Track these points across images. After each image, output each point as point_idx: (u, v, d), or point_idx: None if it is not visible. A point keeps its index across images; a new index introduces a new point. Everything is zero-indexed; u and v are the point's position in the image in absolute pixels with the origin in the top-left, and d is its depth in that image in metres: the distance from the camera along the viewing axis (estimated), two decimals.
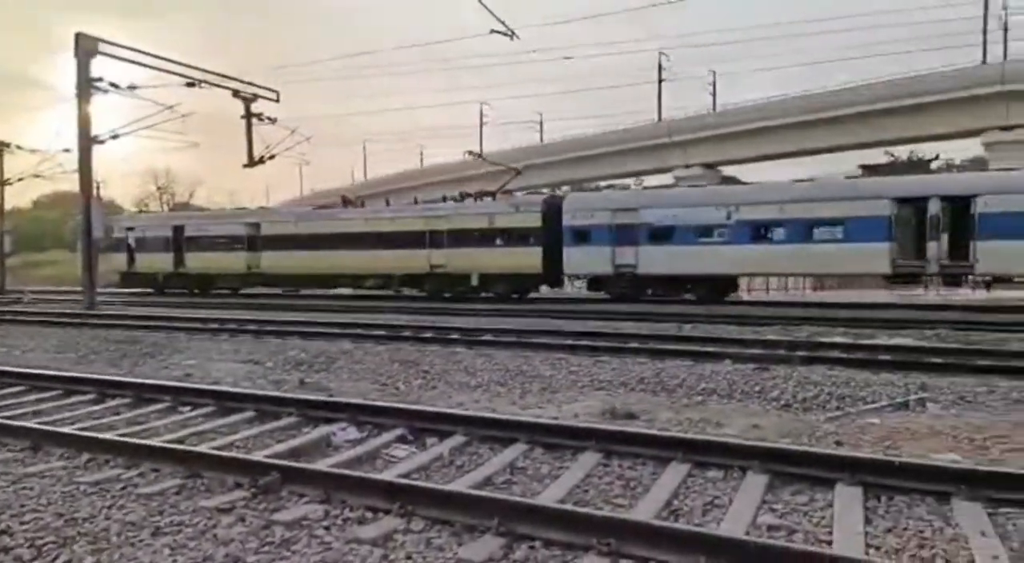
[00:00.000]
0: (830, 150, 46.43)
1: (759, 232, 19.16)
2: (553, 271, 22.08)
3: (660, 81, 53.57)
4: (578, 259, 21.30)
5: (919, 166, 46.12)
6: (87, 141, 18.89)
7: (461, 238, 23.02)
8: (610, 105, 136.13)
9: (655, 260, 20.01)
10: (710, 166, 51.15)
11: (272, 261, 26.91)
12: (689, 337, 11.07)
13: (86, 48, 18.32)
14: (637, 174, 57.89)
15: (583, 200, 23.24)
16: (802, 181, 23.24)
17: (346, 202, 28.97)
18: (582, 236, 21.06)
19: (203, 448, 4.89)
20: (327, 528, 3.57)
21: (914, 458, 4.55)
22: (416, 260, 23.73)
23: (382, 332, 12.26)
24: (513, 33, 14.11)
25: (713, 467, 4.47)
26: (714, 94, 51.75)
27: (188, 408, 6.44)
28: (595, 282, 22.36)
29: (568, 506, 3.72)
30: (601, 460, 4.70)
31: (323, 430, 5.56)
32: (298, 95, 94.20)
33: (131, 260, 30.25)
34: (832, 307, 17.95)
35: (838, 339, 10.82)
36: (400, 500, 3.63)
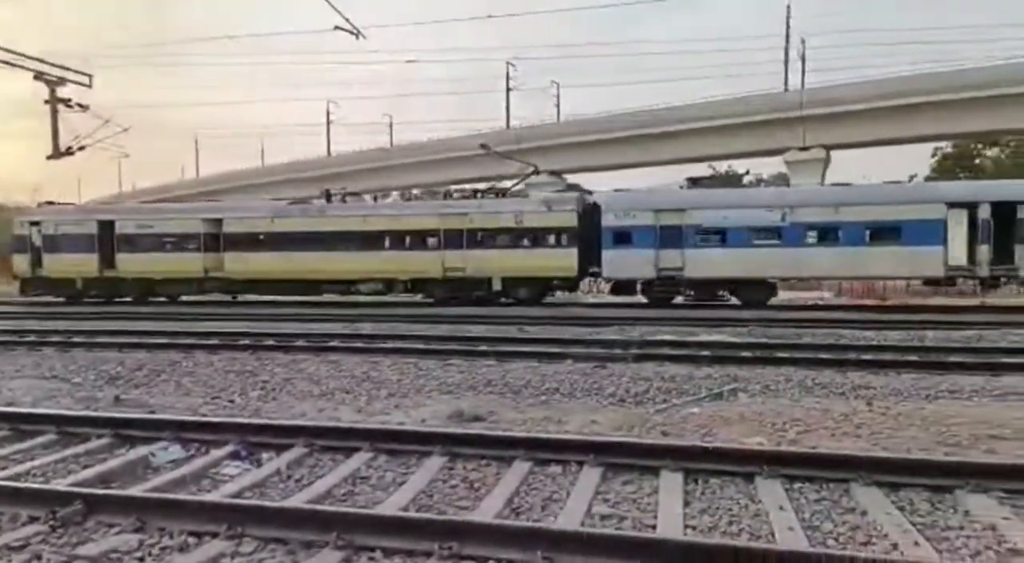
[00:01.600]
0: (661, 163, 50.35)
1: (814, 234, 18.63)
2: (586, 274, 21.03)
3: (508, 89, 55.03)
4: (618, 262, 19.81)
5: (734, 180, 51.62)
6: None
7: (483, 238, 20.87)
8: (463, 110, 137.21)
9: (704, 263, 19.15)
10: (556, 174, 53.36)
11: (238, 264, 22.65)
12: (534, 339, 11.44)
13: None
14: (491, 179, 58.96)
15: (625, 199, 21.25)
16: (839, 184, 22.42)
17: (329, 197, 24.81)
18: (623, 237, 19.74)
19: None
20: (140, 560, 3.25)
21: (726, 443, 5.05)
22: (427, 262, 21.18)
23: (216, 341, 11.41)
24: (359, 32, 13.78)
25: (553, 463, 4.65)
26: (558, 105, 54.21)
27: None
28: (622, 286, 20.98)
29: (409, 513, 3.70)
30: (446, 464, 4.72)
31: (140, 451, 5.05)
32: (120, 81, 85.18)
33: (37, 262, 24.30)
34: (666, 307, 19.43)
35: (666, 337, 11.73)
36: (229, 521, 3.39)
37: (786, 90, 43.74)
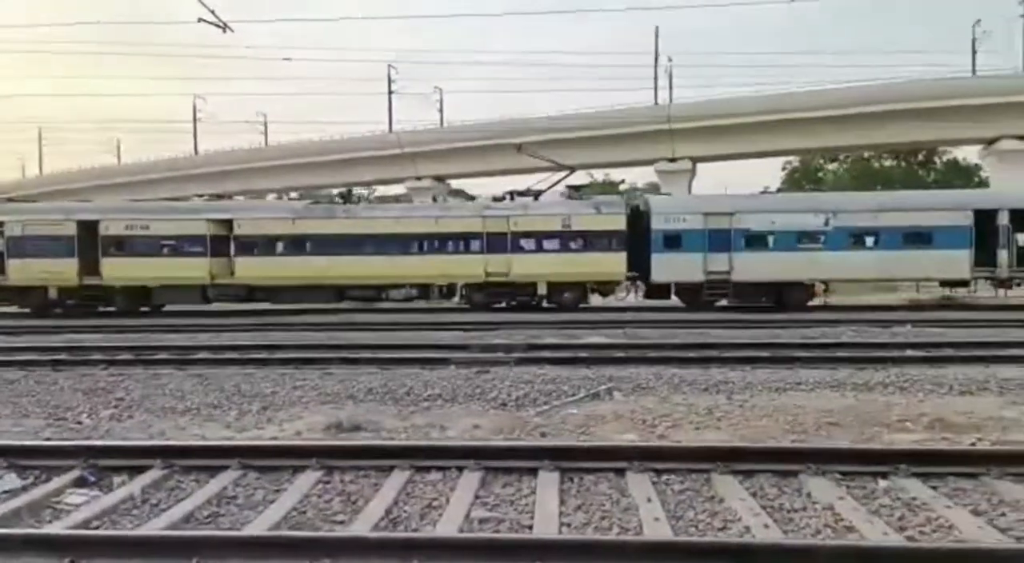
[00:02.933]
0: (543, 170, 51.62)
1: (855, 238, 19.19)
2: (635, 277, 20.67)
3: (390, 92, 54.25)
4: (668, 265, 19.58)
5: (612, 187, 53.98)
6: None
7: (528, 241, 19.97)
8: (343, 112, 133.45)
9: (751, 266, 19.23)
10: (440, 179, 53.26)
11: (253, 269, 20.38)
12: (418, 344, 11.33)
13: None
14: (370, 183, 57.89)
15: (674, 203, 21.02)
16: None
17: (346, 199, 22.48)
18: (673, 241, 19.54)
19: None
20: None
21: (600, 441, 5.25)
22: (469, 266, 20.01)
23: (64, 356, 10.33)
24: (226, 25, 13.03)
25: (434, 470, 4.62)
26: (441, 110, 53.97)
27: None
28: (657, 289, 20.67)
29: (276, 532, 3.53)
30: (322, 477, 4.56)
31: None
32: None
33: None
34: (548, 311, 19.88)
35: (549, 340, 12.03)
36: (70, 555, 3.08)
37: (656, 104, 46.34)
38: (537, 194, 21.40)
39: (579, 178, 54.64)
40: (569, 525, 3.74)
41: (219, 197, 23.13)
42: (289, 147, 54.43)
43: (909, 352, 9.56)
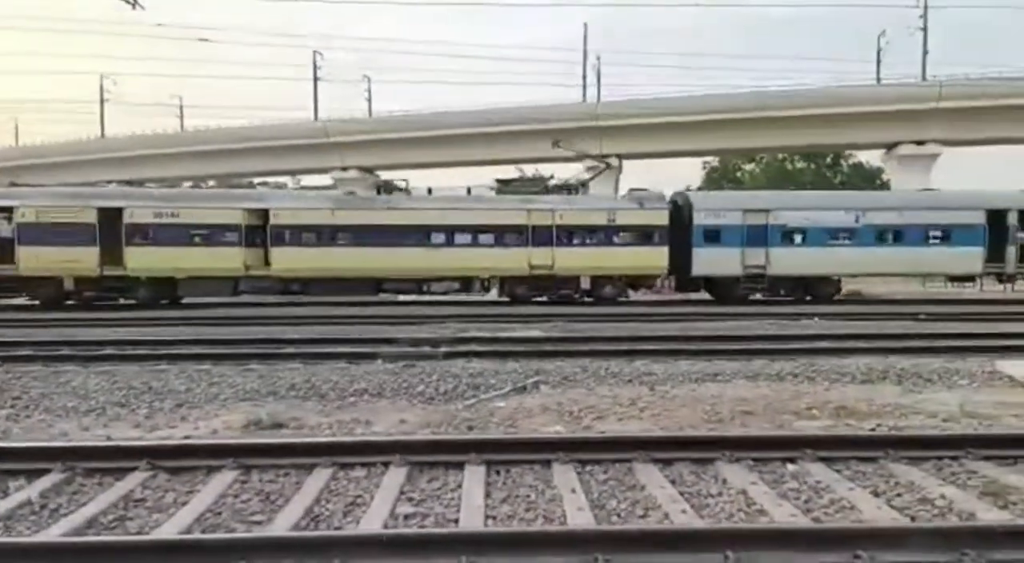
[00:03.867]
0: (474, 163, 51.56)
1: (883, 235, 20.29)
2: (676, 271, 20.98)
3: (316, 79, 52.68)
4: (708, 259, 20.20)
5: (540, 182, 54.45)
6: None
7: (572, 235, 20.15)
8: (269, 98, 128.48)
9: (785, 261, 20.08)
10: (368, 170, 52.26)
11: (289, 260, 19.67)
12: (343, 339, 11.08)
13: None
14: (295, 172, 56.08)
15: (714, 199, 21.69)
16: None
17: (383, 188, 21.66)
18: (713, 236, 20.17)
19: None
20: None
21: (527, 434, 5.30)
22: (512, 259, 19.91)
23: None
24: (136, 2, 12.27)
25: (358, 466, 4.54)
26: (369, 99, 52.89)
27: None
28: (688, 283, 21.37)
29: (186, 536, 3.37)
30: (239, 477, 4.39)
31: None
32: None
33: (6, 257, 19.09)
34: (478, 304, 19.89)
35: (477, 334, 12.03)
36: None
37: (584, 101, 47.05)
38: (572, 188, 22.04)
39: (508, 172, 54.76)
40: (495, 518, 3.75)
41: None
42: (207, 133, 52.07)
43: (818, 344, 10.12)
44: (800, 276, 20.57)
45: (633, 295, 21.67)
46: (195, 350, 9.72)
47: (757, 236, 20.23)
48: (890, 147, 43.65)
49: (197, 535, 3.42)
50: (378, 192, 22.96)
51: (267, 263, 19.96)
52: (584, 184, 22.66)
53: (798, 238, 20.35)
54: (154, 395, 7.09)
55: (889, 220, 20.51)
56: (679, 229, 20.47)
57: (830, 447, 4.70)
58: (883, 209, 20.78)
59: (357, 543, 3.00)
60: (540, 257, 20.06)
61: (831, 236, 20.34)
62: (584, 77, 47.53)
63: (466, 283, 21.03)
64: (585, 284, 20.52)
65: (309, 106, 52.58)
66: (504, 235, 20.23)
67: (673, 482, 4.28)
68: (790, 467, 4.52)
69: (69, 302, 19.85)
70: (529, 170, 54.74)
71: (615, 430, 5.61)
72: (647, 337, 11.16)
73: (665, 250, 20.27)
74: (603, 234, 20.31)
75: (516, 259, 20.06)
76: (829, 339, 10.64)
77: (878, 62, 44.14)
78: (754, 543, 3.09)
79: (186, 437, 5.43)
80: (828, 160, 52.99)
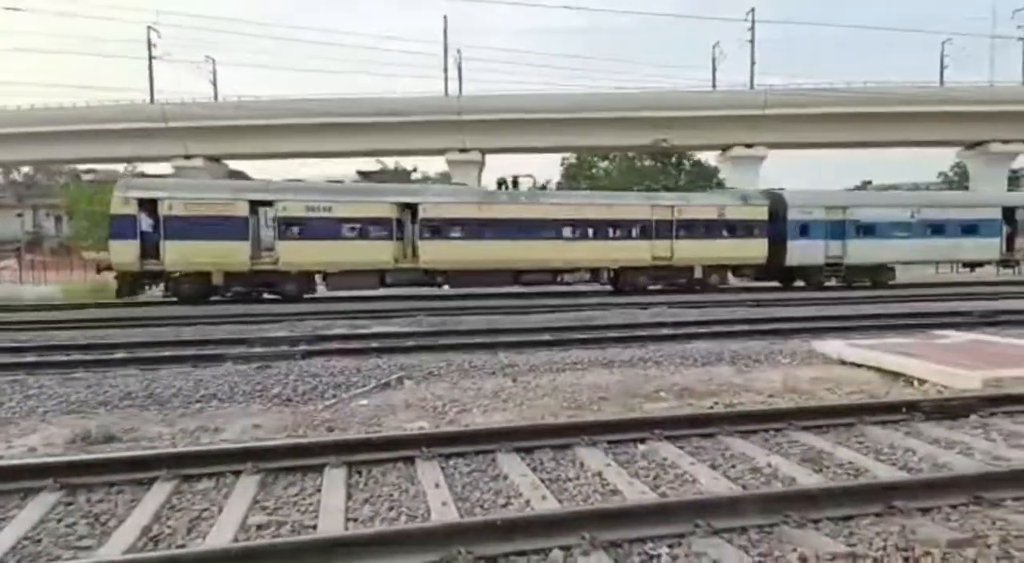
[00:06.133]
0: (330, 154, 49.71)
1: (931, 229, 24.15)
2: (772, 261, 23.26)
3: (151, 58, 48.00)
4: (800, 251, 23.15)
5: (403, 175, 53.72)
6: None
7: (688, 229, 22.37)
8: (94, 78, 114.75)
9: (859, 252, 23.59)
10: (215, 159, 48.65)
11: (436, 252, 20.38)
12: (187, 341, 10.26)
13: None
14: (129, 160, 50.89)
15: (803, 197, 24.27)
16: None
17: (511, 183, 21.69)
18: (803, 230, 23.18)
19: None
20: None
21: (390, 431, 5.21)
22: (637, 251, 22.00)
23: None
24: None
25: (205, 478, 4.23)
26: (215, 82, 48.98)
27: None
28: (777, 272, 23.86)
29: None
30: (62, 499, 3.93)
31: None
32: None
33: (149, 252, 18.54)
34: (338, 300, 19.26)
35: (338, 331, 11.64)
36: None
37: (446, 95, 46.92)
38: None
39: (369, 165, 53.50)
40: (356, 520, 3.66)
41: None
42: (17, 114, 45.72)
43: (664, 331, 10.88)
44: (869, 265, 24.06)
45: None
46: (2, 359, 8.56)
47: (836, 230, 23.56)
48: (724, 149, 47.79)
49: None
50: (500, 186, 23.60)
51: (415, 255, 20.45)
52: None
53: (869, 232, 23.89)
54: None
55: (936, 216, 24.60)
56: (773, 224, 23.32)
57: (675, 426, 5.07)
58: (931, 206, 24.96)
59: (201, 560, 2.78)
60: (661, 249, 22.28)
61: (894, 230, 24.10)
62: (445, 70, 47.35)
63: (595, 273, 22.41)
64: (698, 273, 22.89)
65: (146, 87, 47.88)
66: (630, 229, 22.23)
67: (534, 469, 4.40)
68: (641, 447, 4.83)
69: (214, 298, 19.37)
70: (390, 162, 53.96)
71: (479, 423, 5.68)
72: (509, 329, 11.40)
73: (765, 242, 23.02)
74: (714, 227, 22.75)
75: (640, 250, 22.19)
76: (671, 326, 11.47)
77: (713, 70, 48.13)
78: (607, 521, 3.27)
79: None
80: (673, 159, 56.97)
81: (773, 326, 11.25)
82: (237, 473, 4.24)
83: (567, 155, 56.46)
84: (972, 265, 27.01)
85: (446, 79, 47.21)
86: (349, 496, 3.97)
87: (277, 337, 10.47)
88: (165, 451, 4.55)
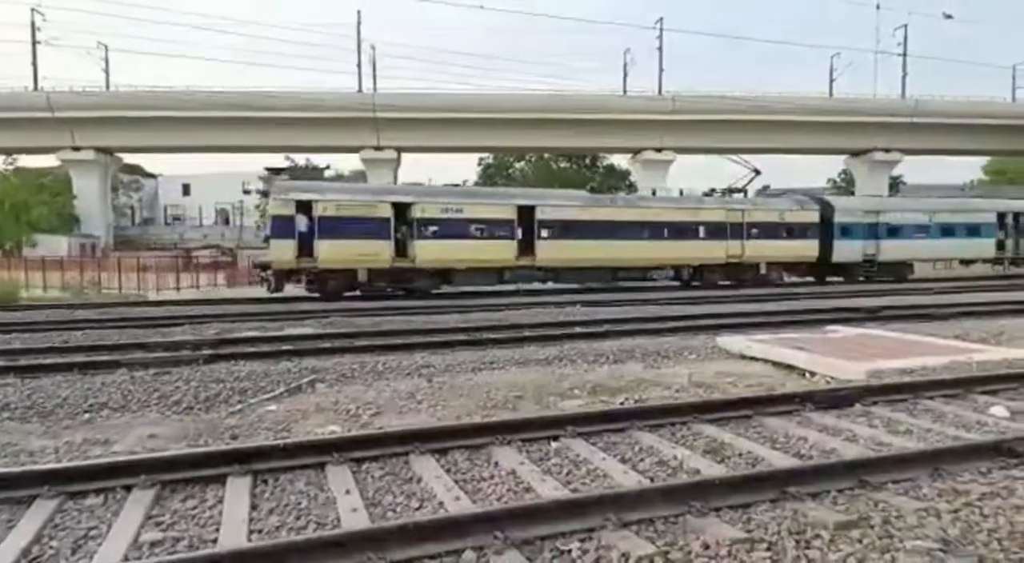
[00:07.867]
0: (233, 149, 47.61)
1: (943, 230, 27.53)
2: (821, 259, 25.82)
3: (35, 43, 44.28)
4: (843, 250, 25.97)
5: (315, 173, 52.12)
6: None
7: (755, 230, 24.68)
8: None
9: (889, 251, 26.64)
10: (107, 151, 45.52)
11: (551, 251, 22.12)
12: (76, 347, 9.53)
13: None
14: (9, 151, 46.76)
15: (845, 202, 28.48)
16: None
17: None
18: (846, 231, 26.04)
19: None
20: None
21: (299, 437, 5.03)
22: (715, 250, 24.24)
23: None
24: None
25: (92, 494, 3.94)
26: (107, 70, 45.62)
27: None
28: (824, 269, 26.31)
29: None
30: None
31: None
32: None
33: (305, 250, 19.34)
34: (248, 301, 18.45)
35: (247, 334, 11.15)
36: None
37: (360, 92, 45.92)
38: (741, 190, 26.84)
39: (278, 161, 51.68)
40: (261, 531, 3.50)
41: (740, 190, 26.12)
42: None
43: (578, 329, 11.09)
44: (894, 262, 26.95)
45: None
46: None
47: (871, 232, 26.60)
48: (635, 152, 49.32)
49: None
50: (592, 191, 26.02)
51: (532, 254, 21.82)
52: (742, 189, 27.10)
53: (897, 233, 26.96)
54: None
55: (947, 219, 28.06)
56: (825, 226, 25.89)
57: (587, 423, 5.18)
58: (944, 211, 28.39)
59: None
60: (734, 248, 24.61)
61: (916, 231, 27.34)
62: (359, 66, 46.33)
63: (677, 270, 24.81)
64: (763, 270, 25.23)
65: (29, 75, 44.06)
66: (710, 230, 24.35)
67: (448, 471, 4.37)
68: (554, 444, 4.89)
69: (349, 293, 20.15)
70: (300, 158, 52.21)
71: (393, 425, 5.58)
72: (426, 330, 11.29)
73: (816, 242, 25.61)
74: (776, 229, 25.26)
75: (717, 250, 24.40)
76: (582, 324, 11.72)
77: (624, 76, 49.56)
78: (520, 520, 3.28)
79: None
80: (587, 161, 58.18)
81: (684, 323, 11.70)
82: (129, 487, 3.97)
83: (484, 155, 56.55)
84: (969, 262, 30.66)
85: (360, 75, 46.25)
86: (254, 507, 3.80)
87: (178, 341, 9.90)
88: (47, 466, 4.20)
